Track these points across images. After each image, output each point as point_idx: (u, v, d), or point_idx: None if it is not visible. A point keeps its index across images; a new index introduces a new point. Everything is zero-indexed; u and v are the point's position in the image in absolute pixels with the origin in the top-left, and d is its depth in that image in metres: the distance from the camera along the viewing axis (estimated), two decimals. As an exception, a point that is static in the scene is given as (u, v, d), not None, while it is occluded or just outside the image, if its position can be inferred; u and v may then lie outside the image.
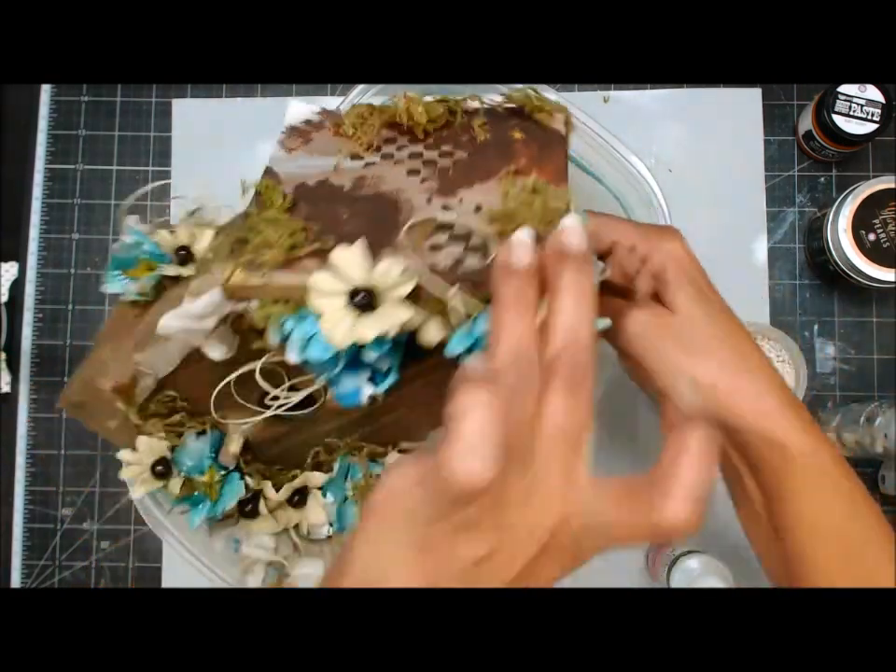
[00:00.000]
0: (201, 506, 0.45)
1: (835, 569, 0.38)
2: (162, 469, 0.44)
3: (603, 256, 0.42)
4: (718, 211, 0.66)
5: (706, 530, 0.63)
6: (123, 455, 0.44)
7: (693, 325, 0.39)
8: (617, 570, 0.63)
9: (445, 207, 0.39)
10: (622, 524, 0.29)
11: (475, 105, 0.42)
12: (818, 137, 0.64)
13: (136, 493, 0.44)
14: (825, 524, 0.38)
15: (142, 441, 0.43)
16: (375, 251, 0.36)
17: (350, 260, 0.35)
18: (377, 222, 0.38)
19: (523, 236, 0.34)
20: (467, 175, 0.40)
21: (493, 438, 0.26)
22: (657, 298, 0.41)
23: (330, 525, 0.48)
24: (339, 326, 0.34)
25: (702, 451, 0.30)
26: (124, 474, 0.44)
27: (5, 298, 0.68)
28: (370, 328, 0.34)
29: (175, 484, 0.44)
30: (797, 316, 0.66)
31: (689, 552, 0.57)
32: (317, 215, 0.39)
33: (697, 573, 0.55)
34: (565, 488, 0.29)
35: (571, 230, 0.33)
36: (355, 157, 0.41)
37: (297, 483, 0.47)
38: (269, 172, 0.42)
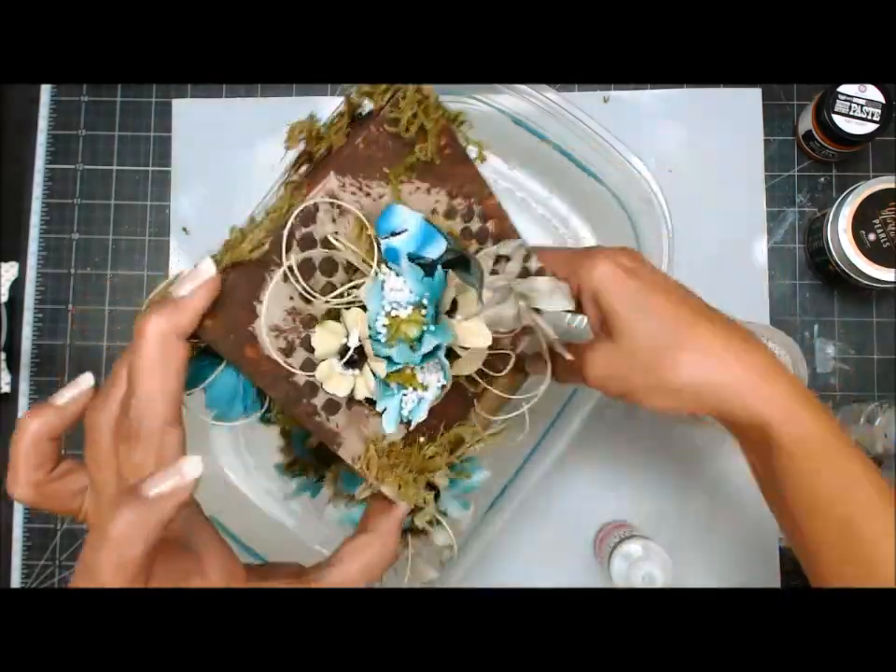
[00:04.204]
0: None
1: (831, 546, 0.38)
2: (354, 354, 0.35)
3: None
4: (718, 211, 0.66)
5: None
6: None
7: (643, 339, 0.39)
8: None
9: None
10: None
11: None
12: (818, 137, 0.64)
13: (341, 392, 0.35)
14: (817, 504, 0.38)
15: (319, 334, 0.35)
16: None
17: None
18: None
19: (204, 266, 0.31)
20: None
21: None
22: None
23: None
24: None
25: (372, 549, 0.36)
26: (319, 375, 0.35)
27: (5, 298, 0.68)
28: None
29: (377, 367, 0.35)
30: (797, 316, 0.66)
31: (633, 536, 0.58)
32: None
33: (636, 557, 0.56)
34: None
35: (196, 273, 0.31)
36: None
37: None
38: None
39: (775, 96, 0.68)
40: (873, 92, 0.62)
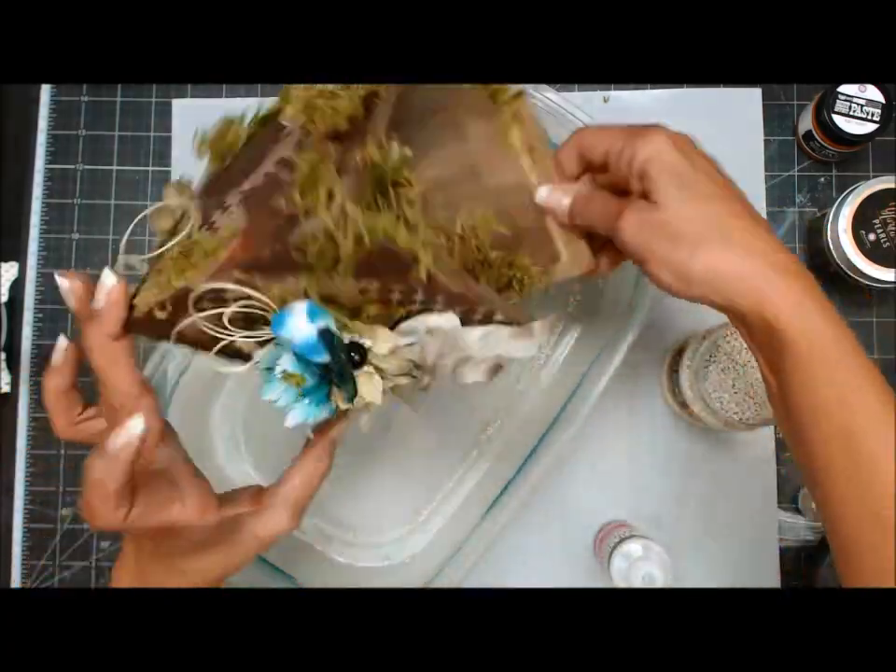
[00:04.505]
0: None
1: (832, 456, 0.37)
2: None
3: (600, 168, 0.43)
4: (718, 211, 0.66)
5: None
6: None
7: (678, 217, 0.39)
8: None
9: None
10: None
11: None
12: (818, 137, 0.64)
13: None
14: (820, 407, 0.37)
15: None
16: None
17: None
18: None
19: (106, 280, 0.36)
20: None
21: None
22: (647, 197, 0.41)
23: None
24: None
25: (307, 463, 0.42)
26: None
27: (5, 298, 0.68)
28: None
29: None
30: (797, 316, 0.66)
31: (632, 536, 0.58)
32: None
33: (636, 557, 0.56)
34: None
35: (101, 286, 0.36)
36: None
37: None
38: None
39: (775, 96, 0.68)
40: (873, 92, 0.62)
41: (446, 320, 0.38)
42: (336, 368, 0.35)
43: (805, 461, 0.39)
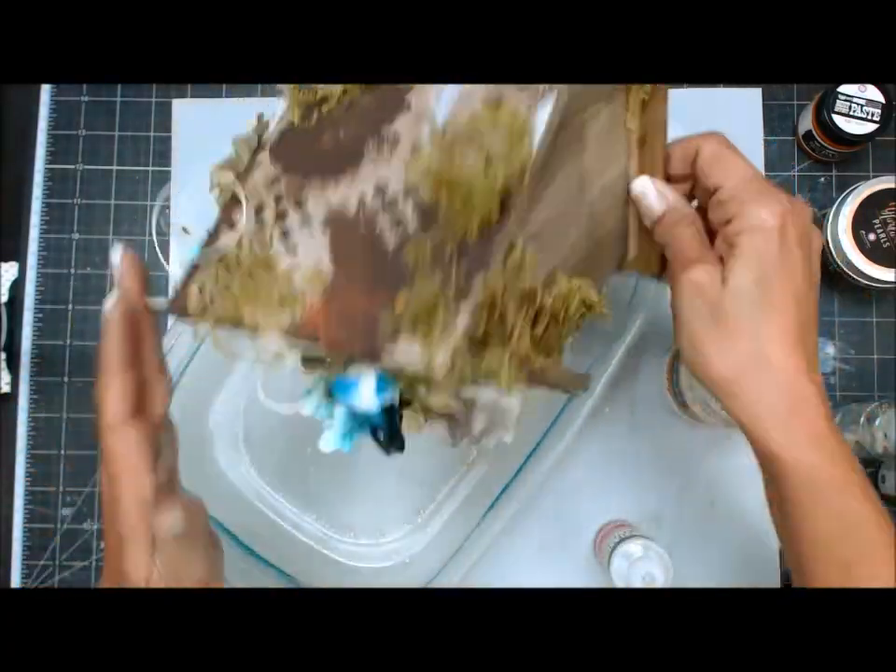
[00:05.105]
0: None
1: (833, 578, 0.37)
2: None
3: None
4: (718, 211, 0.66)
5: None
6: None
7: (732, 305, 0.37)
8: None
9: None
10: None
11: None
12: (818, 137, 0.64)
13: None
14: (818, 543, 0.37)
15: None
16: None
17: None
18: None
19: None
20: None
21: None
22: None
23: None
24: None
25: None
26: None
27: (5, 298, 0.68)
28: None
29: None
30: (797, 316, 0.66)
31: (632, 536, 0.58)
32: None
33: (636, 557, 0.56)
34: None
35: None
36: None
37: None
38: None
39: (775, 96, 0.68)
40: (873, 92, 0.62)
41: (508, 403, 0.35)
42: (387, 432, 0.35)
43: (801, 577, 0.38)
